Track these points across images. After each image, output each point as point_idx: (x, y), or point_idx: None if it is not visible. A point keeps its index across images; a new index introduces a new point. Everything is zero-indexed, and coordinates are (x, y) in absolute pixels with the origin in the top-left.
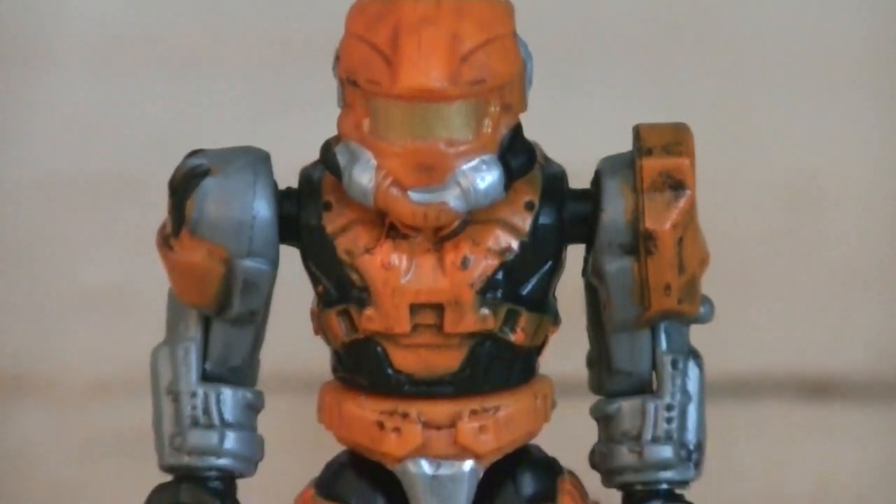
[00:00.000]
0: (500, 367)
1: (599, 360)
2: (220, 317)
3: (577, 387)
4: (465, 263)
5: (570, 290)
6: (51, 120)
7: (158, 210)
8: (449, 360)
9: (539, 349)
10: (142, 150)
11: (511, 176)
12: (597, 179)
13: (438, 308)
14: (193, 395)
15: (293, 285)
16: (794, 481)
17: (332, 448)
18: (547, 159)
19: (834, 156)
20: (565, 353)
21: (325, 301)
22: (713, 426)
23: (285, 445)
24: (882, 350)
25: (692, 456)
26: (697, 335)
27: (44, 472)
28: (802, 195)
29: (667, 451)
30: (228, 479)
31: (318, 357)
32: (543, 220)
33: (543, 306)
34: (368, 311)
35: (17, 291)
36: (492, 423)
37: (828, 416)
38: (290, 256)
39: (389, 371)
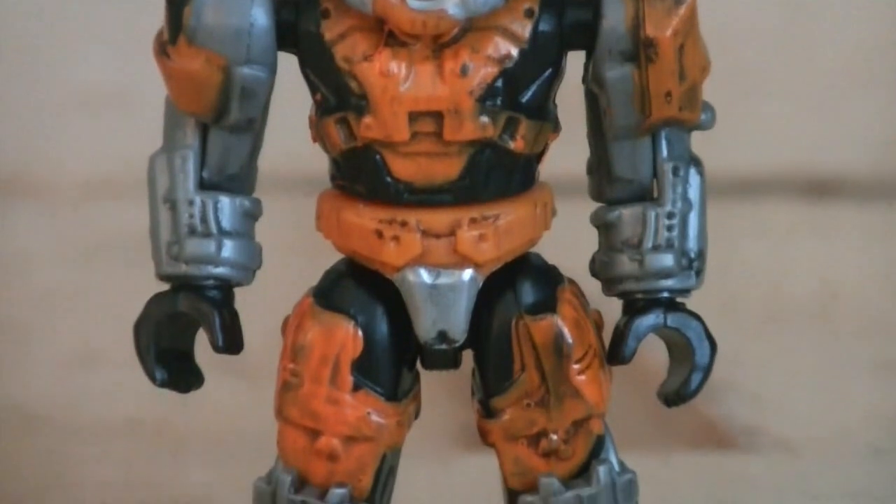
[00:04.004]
0: (499, 175)
1: (599, 168)
2: (217, 124)
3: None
4: (464, 71)
5: (570, 97)
6: None
7: (159, 6)
8: (448, 169)
9: (539, 157)
10: None
11: None
12: None
13: (437, 116)
14: (191, 203)
15: (292, 91)
16: (797, 281)
17: (330, 253)
18: None
19: None
20: (567, 154)
21: (323, 109)
22: (714, 227)
23: (284, 249)
24: (884, 148)
25: (693, 264)
26: (698, 134)
27: (41, 275)
28: None
29: (668, 260)
30: (226, 288)
31: (317, 160)
32: (543, 27)
33: (543, 114)
34: (367, 119)
35: (12, 91)
36: (491, 232)
37: (830, 214)
38: (289, 63)
39: (388, 179)
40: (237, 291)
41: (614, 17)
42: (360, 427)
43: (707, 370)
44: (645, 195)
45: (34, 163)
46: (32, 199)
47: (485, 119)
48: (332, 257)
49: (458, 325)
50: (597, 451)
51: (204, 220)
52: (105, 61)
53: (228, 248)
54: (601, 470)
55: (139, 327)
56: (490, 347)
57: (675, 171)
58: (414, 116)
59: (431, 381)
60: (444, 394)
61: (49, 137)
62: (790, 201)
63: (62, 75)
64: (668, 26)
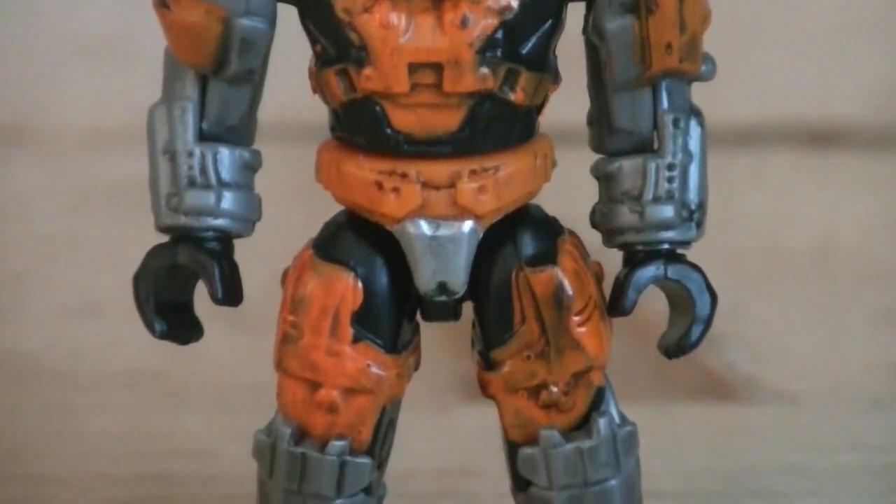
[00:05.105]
0: (499, 126)
1: (600, 119)
2: (217, 76)
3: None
4: (464, 22)
5: (570, 48)
6: None
7: None
8: (448, 120)
9: (539, 108)
10: None
11: None
12: None
13: (437, 67)
14: (190, 154)
15: (292, 41)
16: (797, 231)
17: (330, 204)
18: None
19: None
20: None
21: (323, 60)
22: (714, 178)
23: (284, 200)
24: (884, 98)
25: (694, 216)
26: (698, 84)
27: (40, 224)
28: None
29: (668, 211)
30: (226, 240)
31: (317, 109)
32: None
33: (543, 65)
34: (367, 71)
35: (12, 39)
36: (491, 183)
37: (830, 164)
38: (289, 14)
39: (388, 130)
40: (236, 243)
41: None
42: (359, 379)
43: (708, 322)
44: (645, 147)
45: (34, 111)
46: (32, 147)
47: (485, 70)
48: (331, 208)
49: (457, 277)
50: (597, 403)
51: (203, 171)
52: (105, 9)
53: (228, 200)
54: (601, 422)
55: (138, 279)
56: (490, 299)
57: (676, 123)
58: (414, 68)
59: (431, 333)
60: (444, 345)
61: (49, 86)
62: (790, 151)
63: (62, 24)
64: None
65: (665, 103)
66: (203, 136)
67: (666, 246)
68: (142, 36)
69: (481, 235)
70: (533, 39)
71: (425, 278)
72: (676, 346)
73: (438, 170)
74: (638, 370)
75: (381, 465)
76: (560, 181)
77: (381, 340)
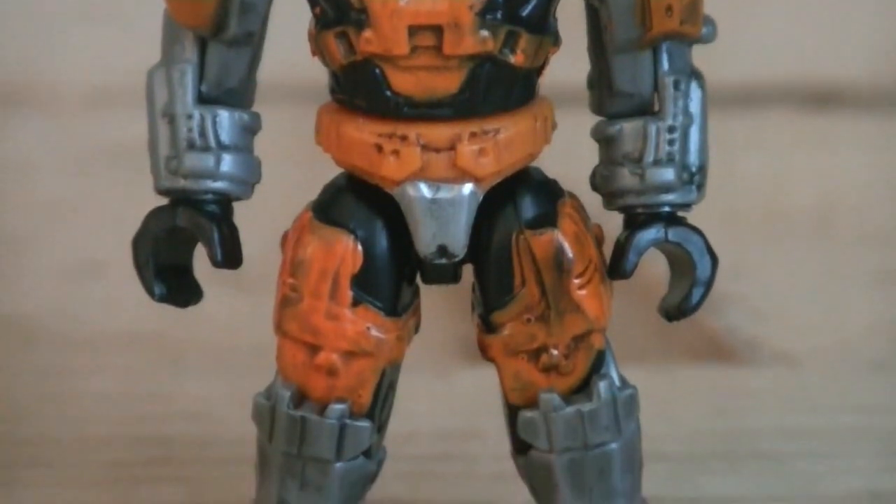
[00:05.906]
0: (499, 89)
1: (600, 82)
2: (216, 39)
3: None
4: None
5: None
6: None
7: None
8: (448, 82)
9: (539, 71)
10: None
11: None
12: None
13: (437, 30)
14: (189, 117)
15: (291, 2)
16: (797, 193)
17: (330, 164)
18: None
19: None
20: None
21: (322, 22)
22: (714, 139)
23: (283, 161)
24: (884, 58)
25: (694, 178)
26: (698, 46)
27: (41, 186)
28: None
29: (668, 174)
30: (225, 202)
31: (317, 69)
32: None
33: (544, 27)
34: (366, 33)
35: (13, 1)
36: (491, 146)
37: (830, 125)
38: None
39: (388, 93)
40: (236, 205)
41: None
42: (359, 342)
43: (708, 284)
44: (646, 109)
45: (35, 73)
46: (33, 109)
47: (485, 33)
48: (331, 171)
49: (457, 240)
50: (597, 366)
51: (203, 134)
52: None
53: (227, 163)
54: (602, 385)
55: (138, 242)
56: (490, 262)
57: (676, 85)
58: (414, 30)
59: (431, 296)
60: (444, 308)
61: (49, 47)
62: (791, 112)
63: None
64: None
65: (666, 65)
66: (202, 99)
67: (666, 208)
68: None
69: (481, 198)
70: (533, 2)
71: (425, 241)
72: (677, 309)
73: (438, 132)
74: (638, 333)
75: (380, 428)
76: (560, 143)
77: (381, 303)
